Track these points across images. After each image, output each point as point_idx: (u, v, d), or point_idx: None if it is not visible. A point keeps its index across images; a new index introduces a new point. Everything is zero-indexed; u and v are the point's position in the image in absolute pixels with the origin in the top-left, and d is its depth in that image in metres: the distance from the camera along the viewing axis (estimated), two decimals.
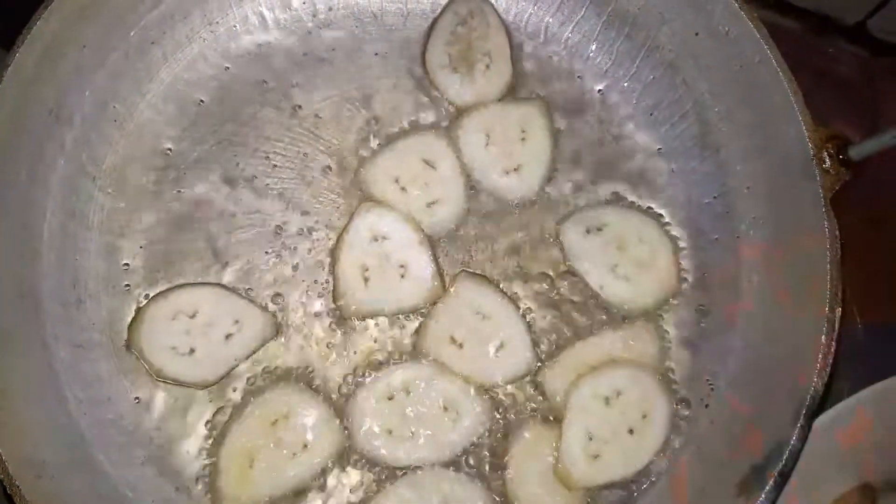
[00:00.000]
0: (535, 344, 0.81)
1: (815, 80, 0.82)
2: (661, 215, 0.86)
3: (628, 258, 0.83)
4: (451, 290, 0.82)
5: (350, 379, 0.80)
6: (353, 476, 0.78)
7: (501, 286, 0.83)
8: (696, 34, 0.83)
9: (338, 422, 0.78)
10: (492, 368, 0.80)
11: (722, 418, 0.78)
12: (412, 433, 0.78)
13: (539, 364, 0.81)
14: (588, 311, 0.83)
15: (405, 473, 0.77)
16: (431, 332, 0.81)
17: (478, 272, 0.83)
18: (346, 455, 0.78)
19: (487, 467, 0.78)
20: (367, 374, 0.80)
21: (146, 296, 0.81)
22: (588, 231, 0.84)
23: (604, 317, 0.83)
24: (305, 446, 0.77)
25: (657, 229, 0.85)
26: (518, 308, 0.82)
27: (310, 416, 0.78)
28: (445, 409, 0.79)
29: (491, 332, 0.81)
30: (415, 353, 0.81)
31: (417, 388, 0.79)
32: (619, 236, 0.84)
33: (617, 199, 0.86)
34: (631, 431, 0.78)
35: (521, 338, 0.81)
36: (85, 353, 0.79)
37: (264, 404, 0.78)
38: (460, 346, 0.80)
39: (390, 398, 0.79)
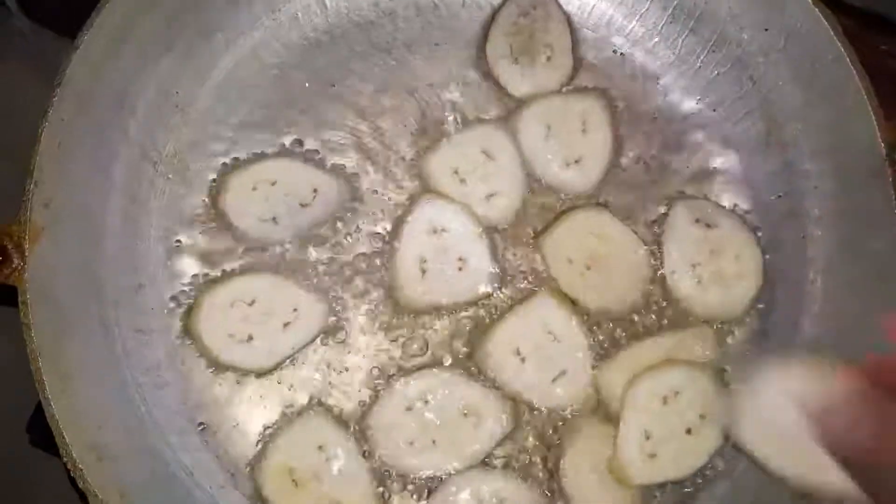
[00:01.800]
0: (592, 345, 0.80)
1: (872, 77, 0.80)
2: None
3: (714, 266, 0.82)
4: (532, 302, 0.81)
5: (374, 380, 0.80)
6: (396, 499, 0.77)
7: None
8: (766, 30, 0.82)
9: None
10: (546, 393, 0.79)
11: None
12: (434, 442, 0.77)
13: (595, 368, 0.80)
14: (648, 311, 0.82)
15: (453, 478, 0.77)
16: (499, 335, 0.80)
17: (560, 289, 0.82)
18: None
19: (542, 465, 0.78)
20: (386, 378, 0.79)
21: (205, 282, 0.82)
22: (698, 221, 0.83)
23: (665, 321, 0.82)
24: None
25: (758, 263, 0.82)
26: (589, 340, 0.80)
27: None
28: (465, 414, 0.78)
29: (556, 356, 0.79)
30: (470, 352, 0.80)
31: (435, 396, 0.78)
32: (721, 243, 0.82)
33: (678, 195, 0.85)
34: (689, 431, 0.77)
35: (584, 372, 0.80)
36: (145, 339, 0.80)
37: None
38: (522, 360, 0.79)
39: (409, 409, 0.78)
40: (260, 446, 0.78)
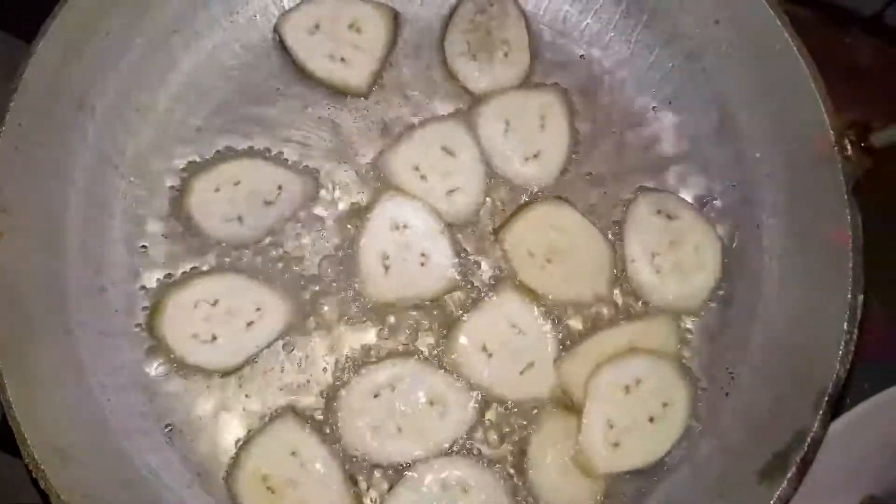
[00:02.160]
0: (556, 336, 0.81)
1: (832, 69, 0.81)
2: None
3: (673, 256, 0.83)
4: (495, 297, 0.81)
5: (339, 375, 0.80)
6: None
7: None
8: (717, 22, 0.83)
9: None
10: (515, 386, 0.80)
11: (742, 406, 0.78)
12: (399, 430, 0.78)
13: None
14: (610, 302, 0.83)
15: (418, 465, 0.77)
16: (465, 333, 0.80)
17: (522, 282, 0.82)
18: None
19: (508, 457, 0.79)
20: (353, 371, 0.80)
21: (168, 283, 0.82)
22: (659, 212, 0.84)
23: (627, 311, 0.83)
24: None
25: (717, 256, 0.83)
26: (555, 332, 0.81)
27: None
28: (432, 403, 0.79)
29: (523, 349, 0.80)
30: (440, 351, 0.81)
31: (403, 383, 0.79)
32: (682, 234, 0.83)
33: (639, 187, 0.86)
34: (651, 419, 0.78)
35: (551, 362, 0.80)
36: (108, 341, 0.80)
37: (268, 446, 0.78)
38: (490, 355, 0.80)
39: (376, 395, 0.79)
40: (232, 454, 0.78)
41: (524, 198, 0.85)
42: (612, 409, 0.78)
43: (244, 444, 0.78)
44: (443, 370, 0.80)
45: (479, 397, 0.79)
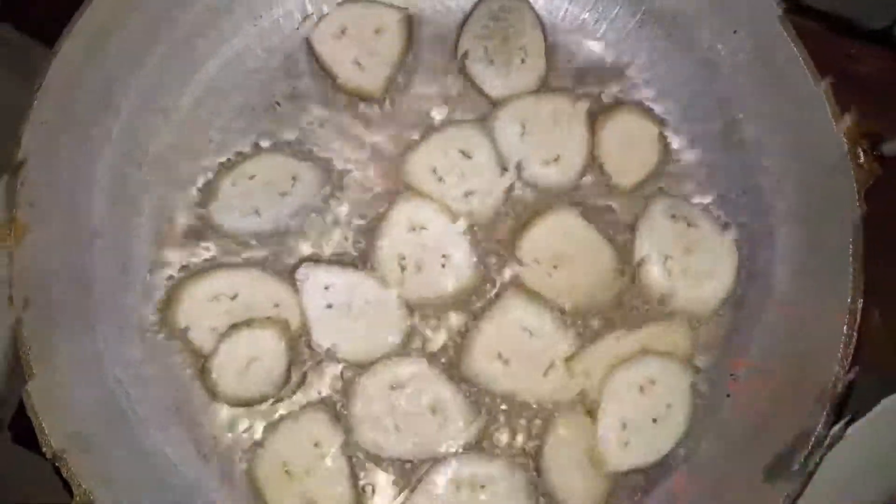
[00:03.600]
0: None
1: (839, 79, 0.83)
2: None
3: (685, 262, 0.84)
4: (500, 306, 0.82)
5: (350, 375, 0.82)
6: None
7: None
8: (735, 32, 0.84)
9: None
10: (540, 388, 0.81)
11: (745, 408, 0.79)
12: (396, 427, 0.79)
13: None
14: (622, 307, 0.84)
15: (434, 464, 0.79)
16: (478, 345, 0.81)
17: (526, 284, 0.83)
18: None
19: (522, 453, 0.80)
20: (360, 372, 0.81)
21: (187, 277, 0.83)
22: (674, 217, 0.85)
23: (640, 315, 0.84)
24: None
25: (732, 270, 0.84)
26: (569, 327, 0.82)
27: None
28: (433, 411, 0.80)
29: (539, 351, 0.81)
30: (455, 366, 0.82)
31: (409, 384, 0.80)
32: (697, 243, 0.84)
33: (657, 192, 0.88)
34: (655, 420, 0.79)
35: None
36: (129, 335, 0.81)
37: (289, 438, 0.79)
38: (506, 362, 0.81)
39: (392, 388, 0.80)
40: (251, 443, 0.80)
41: (541, 202, 0.87)
42: (626, 409, 0.79)
43: (269, 428, 0.80)
44: (450, 380, 0.81)
45: (481, 419, 0.80)
